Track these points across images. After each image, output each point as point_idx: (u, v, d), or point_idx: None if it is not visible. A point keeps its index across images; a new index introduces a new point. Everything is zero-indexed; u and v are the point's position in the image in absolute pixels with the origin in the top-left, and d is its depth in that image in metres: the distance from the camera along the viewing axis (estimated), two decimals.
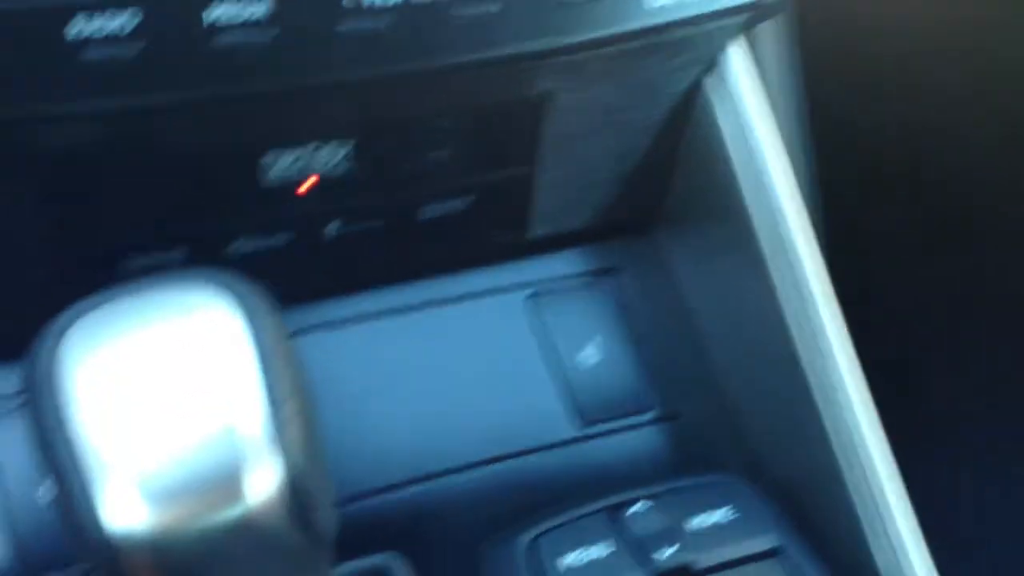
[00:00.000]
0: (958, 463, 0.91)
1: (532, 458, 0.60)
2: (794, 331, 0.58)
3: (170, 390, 0.34)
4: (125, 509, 0.32)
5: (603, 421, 0.61)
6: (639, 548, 0.52)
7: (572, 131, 0.58)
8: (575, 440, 0.60)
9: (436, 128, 0.54)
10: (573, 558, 0.51)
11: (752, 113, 0.59)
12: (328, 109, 0.49)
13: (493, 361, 0.61)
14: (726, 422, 0.64)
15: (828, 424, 0.57)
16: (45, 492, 0.45)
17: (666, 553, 0.52)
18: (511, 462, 0.60)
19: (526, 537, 0.52)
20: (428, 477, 0.58)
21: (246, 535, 0.34)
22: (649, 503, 0.54)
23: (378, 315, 0.60)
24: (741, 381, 0.64)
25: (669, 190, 0.64)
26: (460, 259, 0.61)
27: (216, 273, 0.37)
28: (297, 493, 0.34)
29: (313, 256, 0.55)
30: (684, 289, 0.66)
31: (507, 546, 0.52)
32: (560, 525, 0.53)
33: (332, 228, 0.55)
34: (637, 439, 0.62)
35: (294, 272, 0.54)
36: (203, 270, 0.37)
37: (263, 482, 0.33)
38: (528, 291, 0.63)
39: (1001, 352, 0.92)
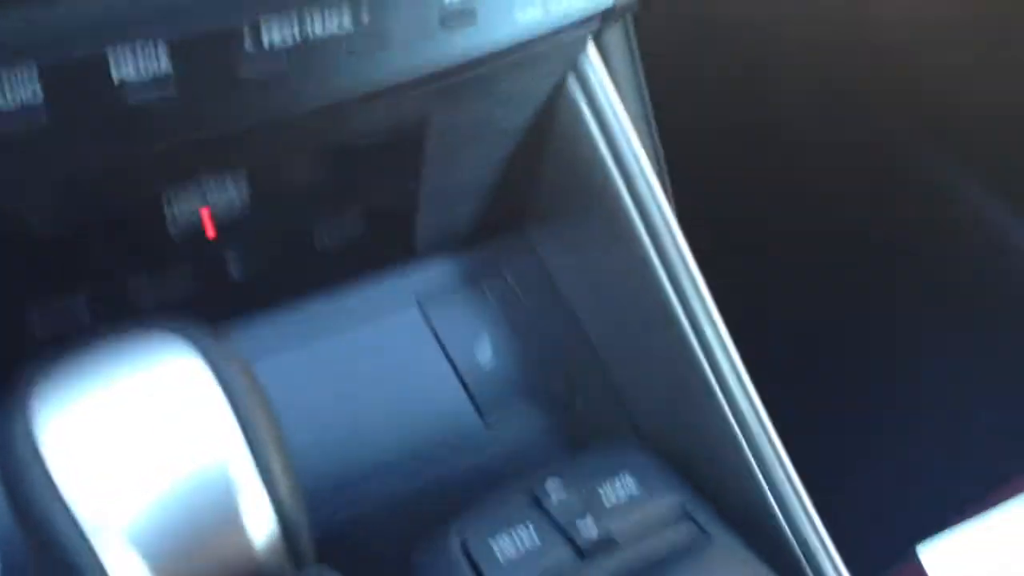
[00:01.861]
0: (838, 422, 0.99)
1: (442, 461, 0.62)
2: (673, 304, 0.62)
3: (150, 448, 0.35)
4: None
5: (502, 418, 0.64)
6: (561, 528, 0.55)
7: (450, 145, 0.60)
8: (479, 439, 0.63)
9: (325, 158, 0.55)
10: (507, 551, 0.54)
11: (612, 106, 0.63)
12: (226, 151, 0.50)
13: (392, 371, 0.63)
14: (618, 404, 0.68)
15: (717, 393, 0.61)
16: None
17: (587, 527, 0.55)
18: (421, 468, 0.62)
19: (456, 539, 0.54)
20: (341, 489, 0.59)
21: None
22: (559, 480, 0.56)
23: (276, 337, 0.61)
24: (627, 362, 0.68)
25: (539, 187, 0.68)
26: (351, 273, 0.63)
27: (173, 323, 0.38)
28: (290, 529, 0.35)
29: (215, 291, 0.55)
30: (561, 279, 0.70)
31: (438, 551, 0.54)
32: (486, 520, 0.55)
33: (235, 267, 0.55)
34: (536, 430, 0.65)
35: (198, 307, 0.55)
36: (157, 322, 0.38)
37: (262, 526, 0.35)
38: (419, 299, 0.65)
39: (872, 301, 1.01)
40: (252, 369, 0.38)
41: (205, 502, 0.35)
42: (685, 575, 0.53)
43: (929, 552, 0.71)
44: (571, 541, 0.55)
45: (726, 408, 0.61)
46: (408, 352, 0.64)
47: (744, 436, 0.61)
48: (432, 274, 0.66)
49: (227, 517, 0.34)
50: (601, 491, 0.57)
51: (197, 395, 0.36)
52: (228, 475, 0.35)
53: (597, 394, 0.67)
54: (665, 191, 0.66)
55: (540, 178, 0.68)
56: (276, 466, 0.36)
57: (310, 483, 0.57)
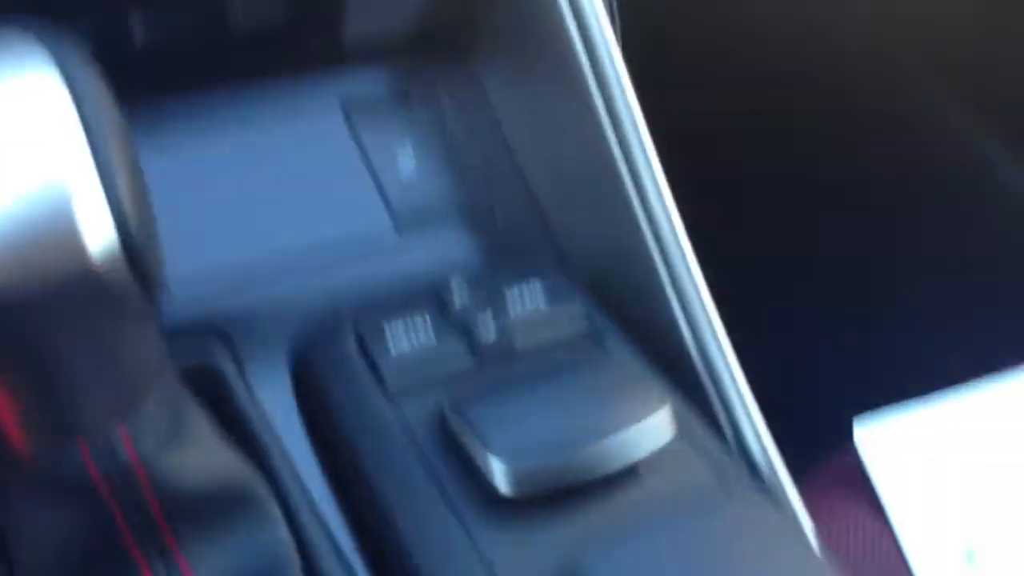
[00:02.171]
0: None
1: (352, 266, 0.60)
2: (612, 146, 0.60)
3: None
4: None
5: (418, 229, 0.62)
6: (460, 325, 0.54)
7: None
8: (391, 249, 0.61)
9: None
10: (401, 345, 0.53)
11: None
12: None
13: (310, 172, 0.61)
14: (542, 229, 0.66)
15: (643, 225, 0.60)
16: None
17: (487, 329, 0.54)
18: (327, 268, 0.59)
19: (349, 322, 0.53)
20: (239, 277, 0.57)
21: (84, 289, 0.33)
22: (464, 280, 0.56)
23: (193, 124, 0.59)
24: (556, 191, 0.66)
25: (490, 13, 0.65)
26: (275, 67, 0.60)
27: (23, 21, 0.35)
28: (132, 243, 0.34)
29: (117, 58, 0.53)
30: (498, 107, 0.68)
31: (332, 332, 0.53)
32: (383, 308, 0.54)
33: (139, 30, 0.53)
34: (452, 248, 0.63)
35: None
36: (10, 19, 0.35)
37: (99, 232, 0.33)
38: (345, 103, 0.63)
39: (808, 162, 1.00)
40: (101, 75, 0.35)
41: (40, 208, 0.33)
42: (580, 384, 0.52)
43: (865, 428, 0.70)
44: (468, 342, 0.54)
45: (651, 243, 0.60)
46: (327, 156, 0.62)
47: (670, 277, 0.59)
48: (362, 81, 0.64)
49: (62, 224, 0.33)
50: (507, 297, 0.55)
51: (40, 95, 0.34)
52: (66, 180, 0.33)
53: (521, 220, 0.66)
54: (619, 44, 0.63)
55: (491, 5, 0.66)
56: (122, 173, 0.34)
57: (205, 267, 0.56)
